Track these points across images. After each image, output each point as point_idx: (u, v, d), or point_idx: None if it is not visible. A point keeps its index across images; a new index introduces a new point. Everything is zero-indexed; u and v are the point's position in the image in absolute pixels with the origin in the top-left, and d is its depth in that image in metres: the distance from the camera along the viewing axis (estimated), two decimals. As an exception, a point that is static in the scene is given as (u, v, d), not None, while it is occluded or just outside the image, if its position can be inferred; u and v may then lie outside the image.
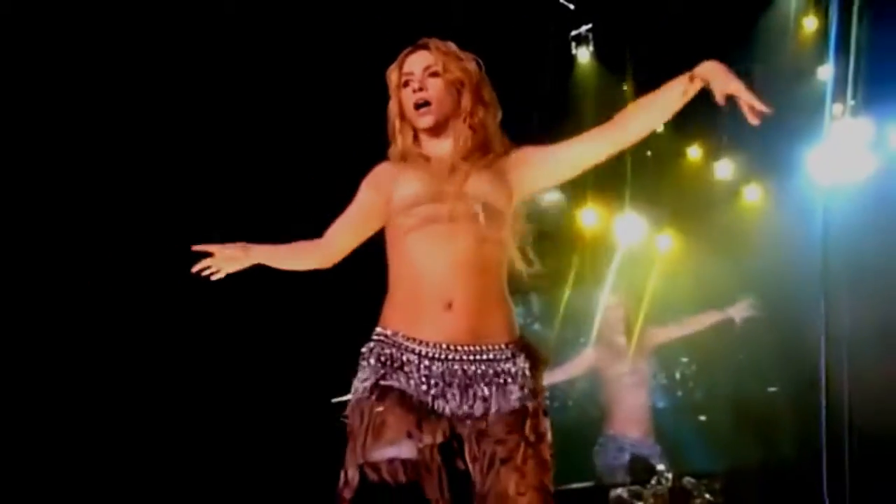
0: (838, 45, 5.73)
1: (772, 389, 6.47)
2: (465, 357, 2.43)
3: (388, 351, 2.46)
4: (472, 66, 2.64)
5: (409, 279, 2.50)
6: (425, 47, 2.63)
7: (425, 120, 2.58)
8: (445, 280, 2.45)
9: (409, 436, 2.34)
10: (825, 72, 6.11)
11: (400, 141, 2.66)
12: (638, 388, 5.84)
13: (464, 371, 2.43)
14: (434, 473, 2.32)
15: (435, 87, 2.58)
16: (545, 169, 2.65)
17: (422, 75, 2.59)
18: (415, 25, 5.43)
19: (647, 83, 6.64)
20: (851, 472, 5.45)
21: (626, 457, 5.68)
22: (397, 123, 2.66)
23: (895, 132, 5.84)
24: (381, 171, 2.68)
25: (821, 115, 5.92)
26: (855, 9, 5.50)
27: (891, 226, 5.83)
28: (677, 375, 6.57)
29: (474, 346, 2.45)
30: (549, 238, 6.18)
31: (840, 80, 5.81)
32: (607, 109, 6.54)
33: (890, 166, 5.90)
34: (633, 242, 6.61)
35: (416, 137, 2.66)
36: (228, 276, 2.82)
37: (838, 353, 5.75)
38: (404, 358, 2.44)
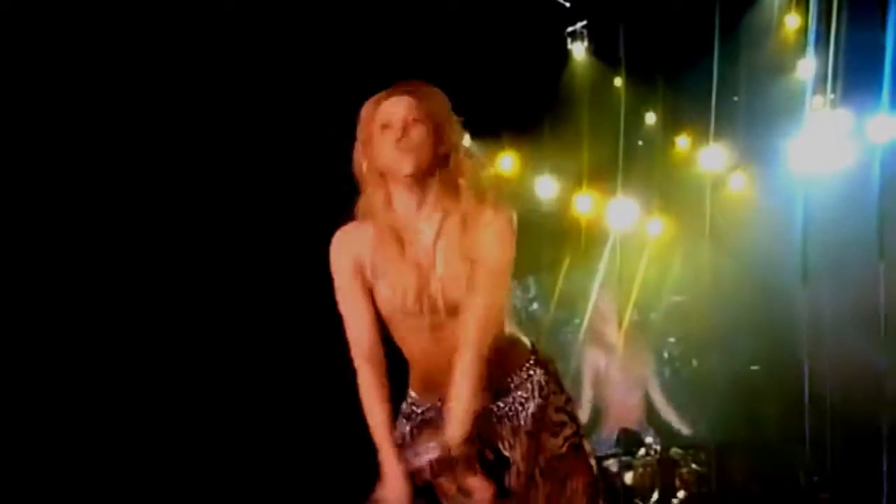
0: (818, 42, 5.94)
1: (754, 368, 6.69)
2: (490, 405, 2.54)
3: (419, 409, 2.61)
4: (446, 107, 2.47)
5: (417, 361, 2.57)
6: (405, 93, 2.43)
7: (407, 165, 2.39)
8: (452, 364, 2.42)
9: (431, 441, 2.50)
10: (806, 66, 6.31)
11: (371, 195, 2.47)
12: (631, 389, 6.03)
13: (490, 410, 2.54)
14: (458, 464, 2.42)
15: (418, 134, 2.39)
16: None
17: (404, 121, 2.39)
18: (410, 22, 5.54)
19: (640, 78, 6.87)
20: (832, 447, 5.68)
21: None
22: (366, 170, 2.46)
23: (873, 124, 6.01)
24: (348, 251, 2.50)
25: (802, 107, 6.13)
26: (834, 7, 5.71)
27: (868, 213, 6.03)
28: (665, 355, 6.78)
29: (495, 389, 2.54)
30: (546, 223, 6.42)
31: (820, 75, 6.02)
32: (601, 104, 6.76)
33: (868, 157, 6.07)
34: (624, 227, 6.80)
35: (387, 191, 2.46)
36: (234, 280, 2.86)
37: (819, 336, 5.99)
38: (436, 412, 2.57)
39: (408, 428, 2.61)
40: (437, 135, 2.41)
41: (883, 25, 5.64)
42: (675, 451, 5.54)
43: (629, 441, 5.65)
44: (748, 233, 6.58)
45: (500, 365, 2.51)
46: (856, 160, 6.02)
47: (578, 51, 6.88)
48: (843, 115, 6.01)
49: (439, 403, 2.53)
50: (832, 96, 5.96)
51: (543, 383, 2.56)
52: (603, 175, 6.64)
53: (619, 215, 6.75)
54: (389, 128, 2.39)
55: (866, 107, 5.94)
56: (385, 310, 2.50)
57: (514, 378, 2.56)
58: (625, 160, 6.38)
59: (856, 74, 5.89)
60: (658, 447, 5.52)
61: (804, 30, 6.10)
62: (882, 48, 5.63)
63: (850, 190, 5.99)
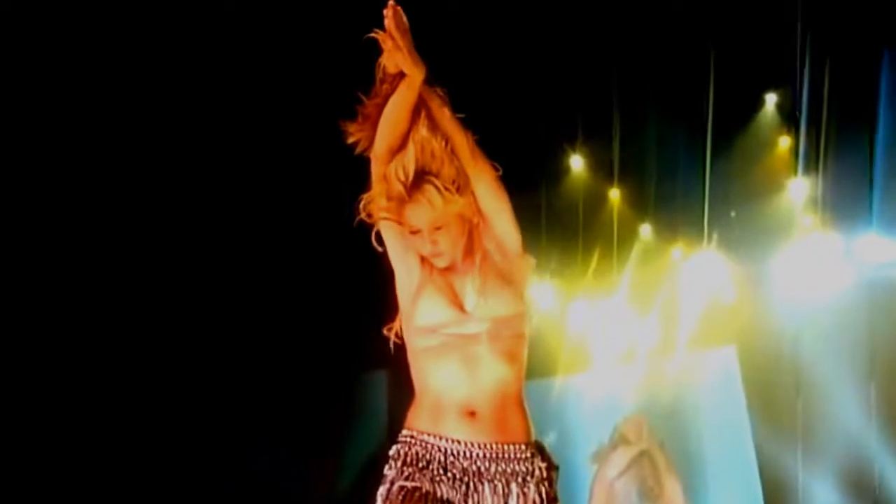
0: (808, 163, 5.96)
1: None
2: (487, 455, 2.46)
3: (414, 450, 2.49)
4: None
5: (433, 392, 2.51)
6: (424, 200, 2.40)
7: (442, 263, 2.47)
8: (469, 395, 2.46)
9: None
10: (797, 187, 6.30)
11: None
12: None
13: (486, 468, 2.46)
14: None
15: (445, 239, 2.44)
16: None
17: (429, 230, 2.43)
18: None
19: (635, 189, 6.82)
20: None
21: None
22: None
23: (861, 246, 6.00)
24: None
25: (794, 227, 6.11)
26: (823, 132, 5.74)
27: (858, 333, 5.98)
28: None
29: (496, 444, 2.47)
30: (543, 331, 6.33)
31: (810, 196, 6.02)
32: (597, 215, 6.74)
33: (858, 278, 6.04)
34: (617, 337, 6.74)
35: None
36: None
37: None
38: (429, 456, 2.47)
39: (395, 487, 2.44)
40: (463, 225, 2.45)
41: (871, 148, 5.67)
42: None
43: None
44: (741, 343, 6.50)
45: (503, 421, 2.47)
46: (845, 280, 5.97)
47: (577, 164, 6.87)
48: (832, 238, 5.98)
49: (440, 441, 2.45)
50: (821, 218, 5.94)
51: (545, 474, 2.48)
52: (599, 284, 6.61)
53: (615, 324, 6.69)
54: (419, 234, 2.43)
55: (856, 228, 5.93)
56: (425, 318, 2.48)
57: (515, 449, 2.47)
58: (619, 271, 6.35)
59: (845, 196, 5.88)
60: None
61: (796, 151, 6.12)
62: (871, 170, 5.65)
63: (840, 309, 5.93)
